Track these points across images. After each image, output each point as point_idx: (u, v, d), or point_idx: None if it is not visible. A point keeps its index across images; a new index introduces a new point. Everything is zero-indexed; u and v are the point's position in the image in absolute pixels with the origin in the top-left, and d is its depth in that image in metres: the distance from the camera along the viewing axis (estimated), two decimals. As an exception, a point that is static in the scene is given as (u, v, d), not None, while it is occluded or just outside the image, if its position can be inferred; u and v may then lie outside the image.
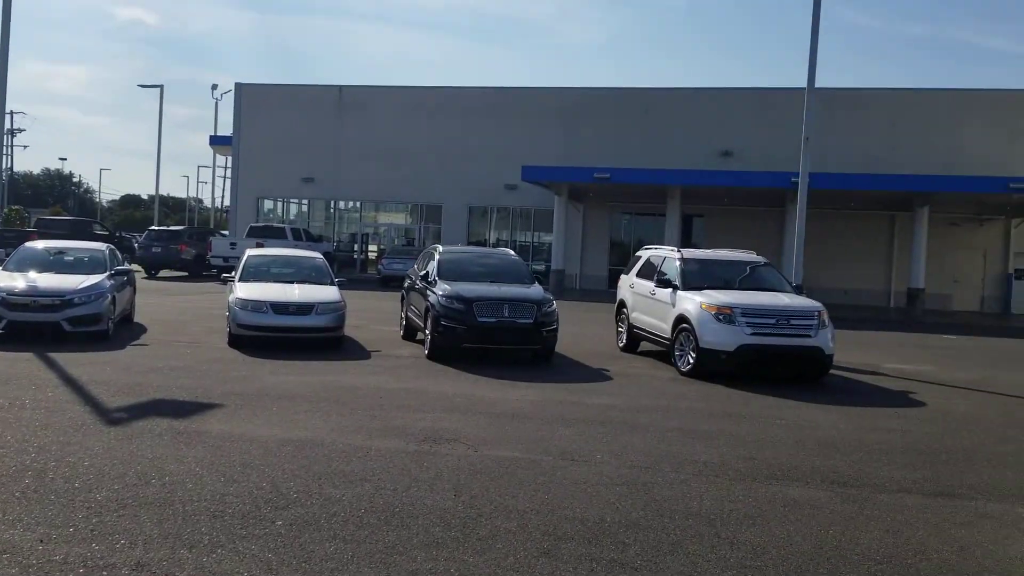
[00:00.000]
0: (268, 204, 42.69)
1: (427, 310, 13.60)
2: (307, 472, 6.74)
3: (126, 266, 16.78)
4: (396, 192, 39.82)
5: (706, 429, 9.15)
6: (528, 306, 13.32)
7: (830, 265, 32.70)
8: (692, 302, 13.02)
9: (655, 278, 14.58)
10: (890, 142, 33.69)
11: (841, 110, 33.25)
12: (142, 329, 15.65)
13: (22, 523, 5.38)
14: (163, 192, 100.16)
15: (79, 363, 11.41)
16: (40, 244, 16.42)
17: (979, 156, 32.30)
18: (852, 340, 18.38)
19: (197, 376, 10.95)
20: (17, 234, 29.54)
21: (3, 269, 14.59)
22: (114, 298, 14.38)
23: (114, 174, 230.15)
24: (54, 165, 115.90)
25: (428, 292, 13.83)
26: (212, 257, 33.96)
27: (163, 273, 34.34)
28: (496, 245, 36.97)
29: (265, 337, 13.66)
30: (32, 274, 14.27)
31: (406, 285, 16.25)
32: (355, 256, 41.67)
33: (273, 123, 40.48)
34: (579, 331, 17.83)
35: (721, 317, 12.49)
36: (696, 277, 13.88)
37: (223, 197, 63.77)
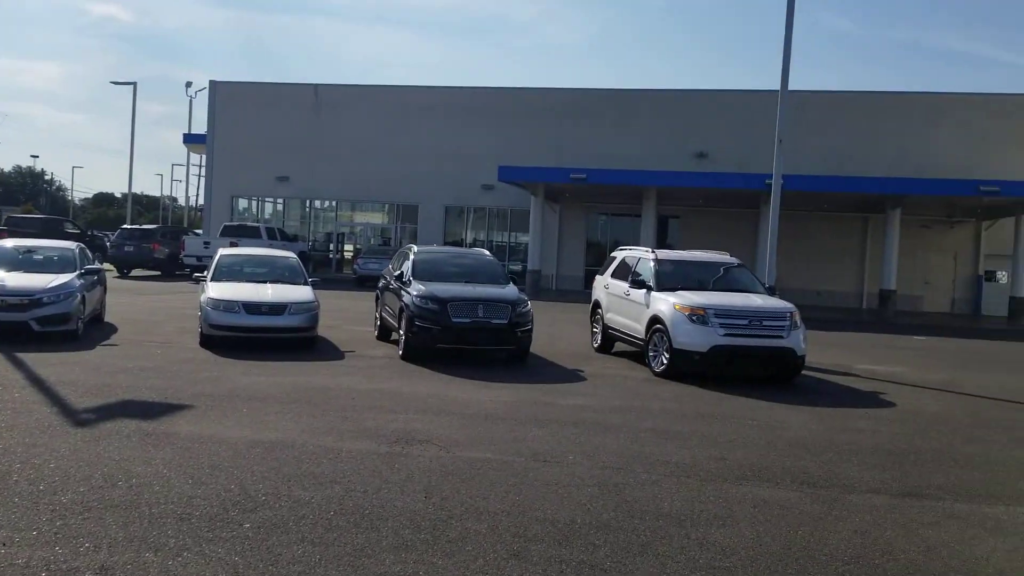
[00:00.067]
0: (243, 203, 42.39)
1: (401, 310, 13.55)
2: (276, 474, 6.69)
3: (96, 265, 16.58)
4: (372, 192, 39.67)
5: (678, 430, 9.18)
6: (503, 306, 13.31)
7: (803, 266, 33.04)
8: (666, 303, 13.07)
9: (629, 279, 14.62)
10: (863, 145, 34.03)
11: (815, 113, 33.52)
12: (112, 329, 15.48)
13: (-16, 527, 5.30)
14: (137, 190, 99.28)
15: (47, 363, 11.26)
16: (9, 243, 16.19)
17: (950, 159, 32.71)
18: (824, 341, 18.53)
19: (167, 377, 10.83)
20: (-13, 232, 29.13)
21: (-30, 268, 14.37)
22: (84, 297, 14.21)
23: (87, 172, 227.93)
24: (26, 162, 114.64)
25: (402, 292, 13.78)
26: (185, 256, 33.67)
27: (136, 272, 33.98)
28: (473, 245, 36.94)
29: (237, 337, 13.54)
30: (0, 273, 14.07)
31: (380, 285, 16.18)
32: (331, 256, 41.48)
33: (248, 121, 40.21)
34: (554, 331, 17.84)
35: (694, 318, 12.55)
36: (670, 278, 13.93)
37: (198, 196, 63.27)
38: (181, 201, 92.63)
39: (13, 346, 12.41)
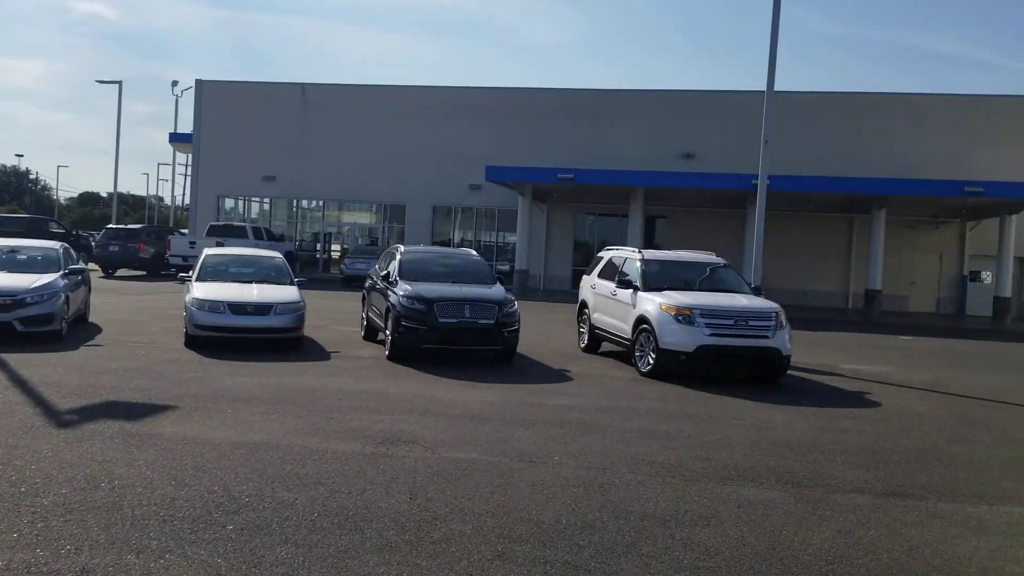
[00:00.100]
0: (229, 203, 42.20)
1: (388, 310, 13.52)
2: (260, 476, 6.66)
3: (80, 265, 16.46)
4: (359, 191, 39.57)
5: (664, 430, 9.19)
6: (490, 306, 13.30)
7: (789, 266, 33.19)
8: (652, 303, 13.09)
9: (616, 279, 14.64)
10: (849, 145, 34.18)
11: (801, 113, 33.64)
12: (97, 329, 15.39)
13: (-37, 529, 5.25)
14: (123, 190, 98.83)
15: (30, 364, 11.18)
16: (-8, 242, 16.07)
17: (936, 160, 32.92)
18: (810, 341, 18.61)
19: (151, 377, 10.77)
20: (-30, 232, 28.89)
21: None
22: (68, 298, 14.11)
23: (72, 171, 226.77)
24: (10, 161, 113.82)
25: (389, 292, 13.75)
26: (171, 256, 33.48)
27: (121, 272, 33.78)
28: (460, 245, 36.91)
29: (222, 338, 13.48)
30: (-17, 273, 13.96)
31: (367, 285, 16.14)
32: (318, 256, 41.36)
33: (235, 121, 40.05)
34: (542, 331, 17.84)
35: (680, 318, 12.57)
36: (656, 278, 13.96)
37: (184, 195, 63.04)
38: (167, 201, 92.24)
39: (-4, 347, 12.32)
